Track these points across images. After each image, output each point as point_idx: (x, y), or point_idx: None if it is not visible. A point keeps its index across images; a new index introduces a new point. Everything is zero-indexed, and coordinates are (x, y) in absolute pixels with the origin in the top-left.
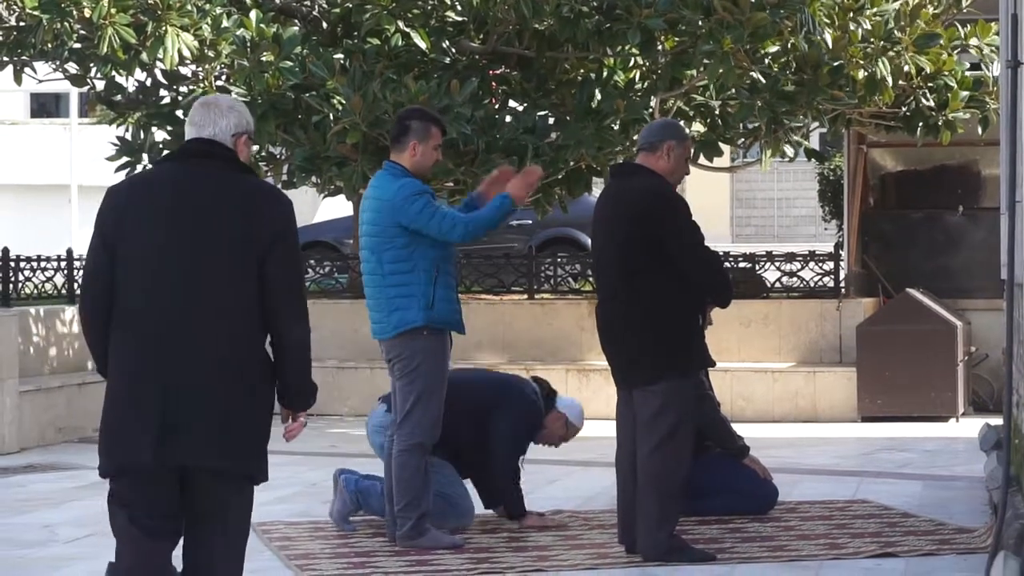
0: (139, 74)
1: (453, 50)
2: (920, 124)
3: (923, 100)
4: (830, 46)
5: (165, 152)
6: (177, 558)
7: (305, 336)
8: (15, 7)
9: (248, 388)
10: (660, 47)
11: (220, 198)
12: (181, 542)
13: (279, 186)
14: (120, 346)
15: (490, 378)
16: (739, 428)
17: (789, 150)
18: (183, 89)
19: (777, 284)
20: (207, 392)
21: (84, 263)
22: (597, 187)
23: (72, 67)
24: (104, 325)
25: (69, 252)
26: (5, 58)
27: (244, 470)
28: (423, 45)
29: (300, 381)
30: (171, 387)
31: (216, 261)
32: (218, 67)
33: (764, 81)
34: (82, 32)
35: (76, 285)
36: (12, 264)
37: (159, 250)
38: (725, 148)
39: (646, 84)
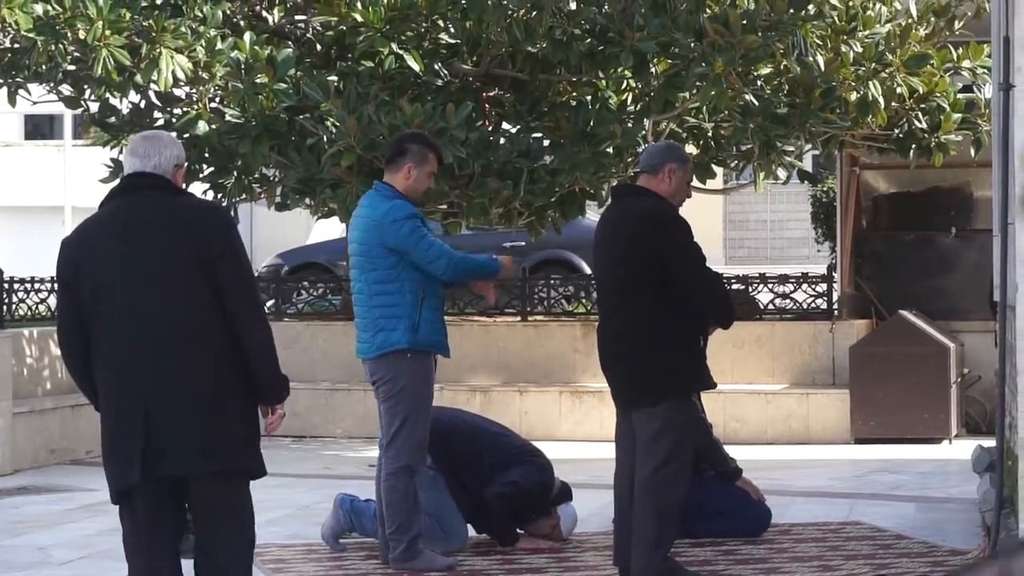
0: (133, 96)
1: (446, 72)
2: (913, 146)
3: (916, 122)
4: (822, 68)
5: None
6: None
7: (266, 336)
8: (9, 29)
9: (223, 395)
10: (653, 70)
11: (163, 224)
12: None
13: (272, 208)
14: (102, 383)
15: (524, 442)
16: (732, 450)
17: (782, 172)
18: (177, 111)
19: (770, 306)
20: (185, 410)
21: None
22: (591, 210)
23: (66, 89)
24: (83, 368)
25: None
26: None
27: (235, 467)
28: (416, 67)
29: (269, 379)
30: (151, 413)
31: (171, 284)
32: (212, 89)
33: (757, 103)
34: (76, 54)
35: None
36: (6, 285)
37: (116, 285)
38: (718, 170)
39: (639, 106)
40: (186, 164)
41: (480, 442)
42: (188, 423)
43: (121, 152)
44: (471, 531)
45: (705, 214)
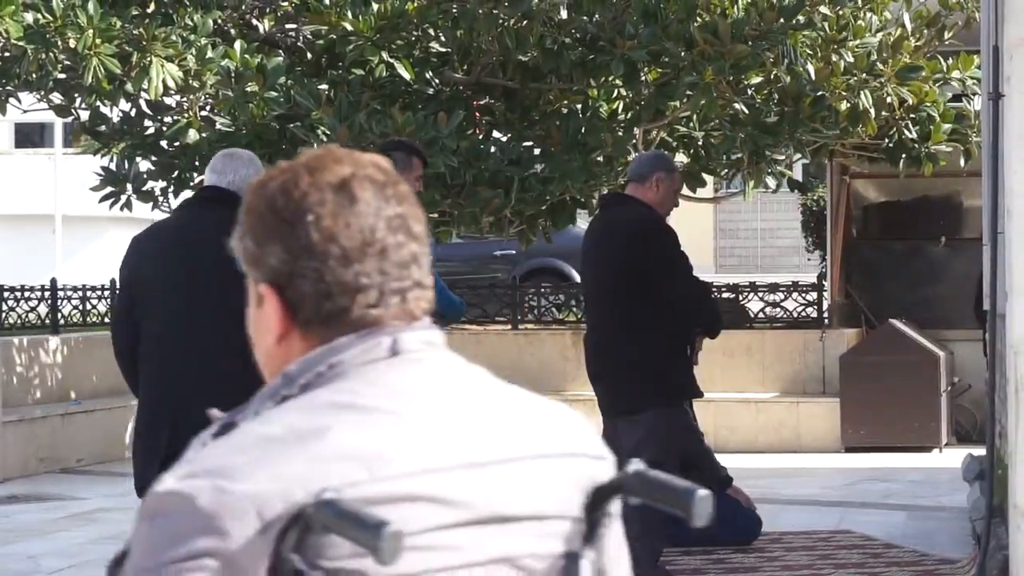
0: (124, 104)
1: (437, 81)
2: (903, 156)
3: (906, 132)
4: (813, 78)
5: (149, 182)
6: None
7: None
8: None
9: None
10: (643, 78)
11: (219, 238)
12: None
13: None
14: (142, 378)
15: None
16: (722, 458)
17: (772, 181)
18: (168, 119)
19: (760, 314)
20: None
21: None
22: (581, 218)
23: (57, 97)
24: (130, 361)
25: (53, 282)
26: None
27: None
28: (407, 76)
29: None
30: (178, 414)
31: (218, 297)
32: (203, 97)
33: (747, 112)
34: (67, 62)
35: (60, 315)
36: None
37: (167, 291)
38: (708, 179)
39: (630, 115)
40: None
41: None
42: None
43: (112, 160)
44: None
45: (695, 223)
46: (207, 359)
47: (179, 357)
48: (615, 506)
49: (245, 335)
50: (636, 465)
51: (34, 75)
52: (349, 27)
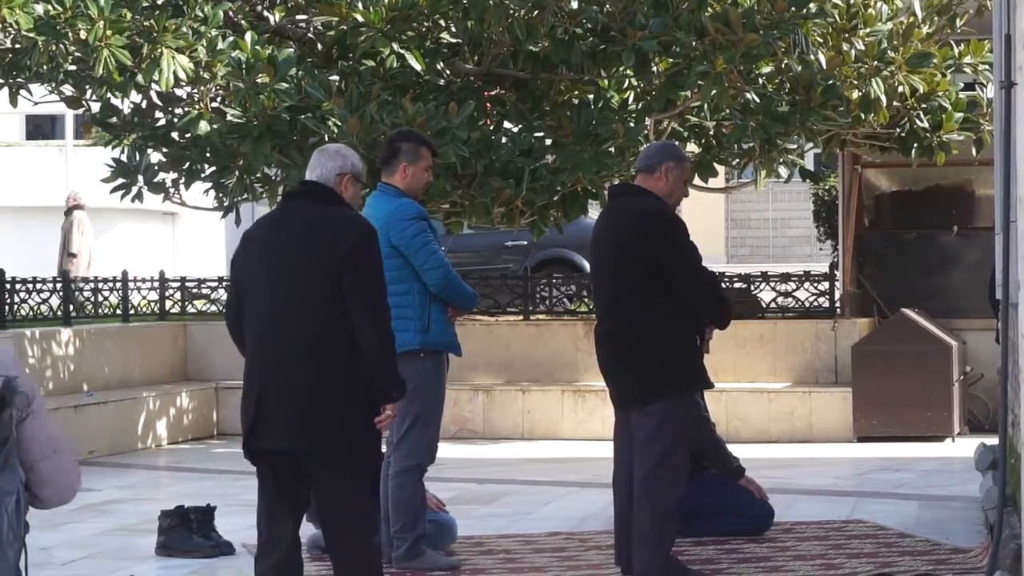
0: (134, 96)
1: (448, 72)
2: (915, 145)
3: (917, 121)
4: (824, 66)
5: (160, 173)
6: None
7: (379, 340)
8: (10, 29)
9: (330, 388)
10: (654, 68)
11: (309, 227)
12: None
13: (274, 207)
14: (247, 354)
15: None
16: (735, 449)
17: (783, 171)
18: (178, 111)
19: (772, 304)
20: (289, 390)
21: None
22: (593, 209)
23: (68, 89)
24: (242, 338)
25: (65, 274)
26: (0, 80)
27: (327, 452)
28: (418, 67)
29: (381, 379)
30: (263, 387)
31: (303, 283)
32: (213, 89)
33: (758, 102)
34: (78, 54)
35: (72, 307)
36: (7, 286)
37: (263, 277)
38: (720, 169)
39: (641, 105)
40: (349, 171)
41: None
42: (290, 407)
43: (123, 152)
44: (475, 530)
45: (707, 213)
46: (290, 337)
47: (267, 334)
48: None
49: (325, 316)
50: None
51: (45, 67)
52: (360, 18)
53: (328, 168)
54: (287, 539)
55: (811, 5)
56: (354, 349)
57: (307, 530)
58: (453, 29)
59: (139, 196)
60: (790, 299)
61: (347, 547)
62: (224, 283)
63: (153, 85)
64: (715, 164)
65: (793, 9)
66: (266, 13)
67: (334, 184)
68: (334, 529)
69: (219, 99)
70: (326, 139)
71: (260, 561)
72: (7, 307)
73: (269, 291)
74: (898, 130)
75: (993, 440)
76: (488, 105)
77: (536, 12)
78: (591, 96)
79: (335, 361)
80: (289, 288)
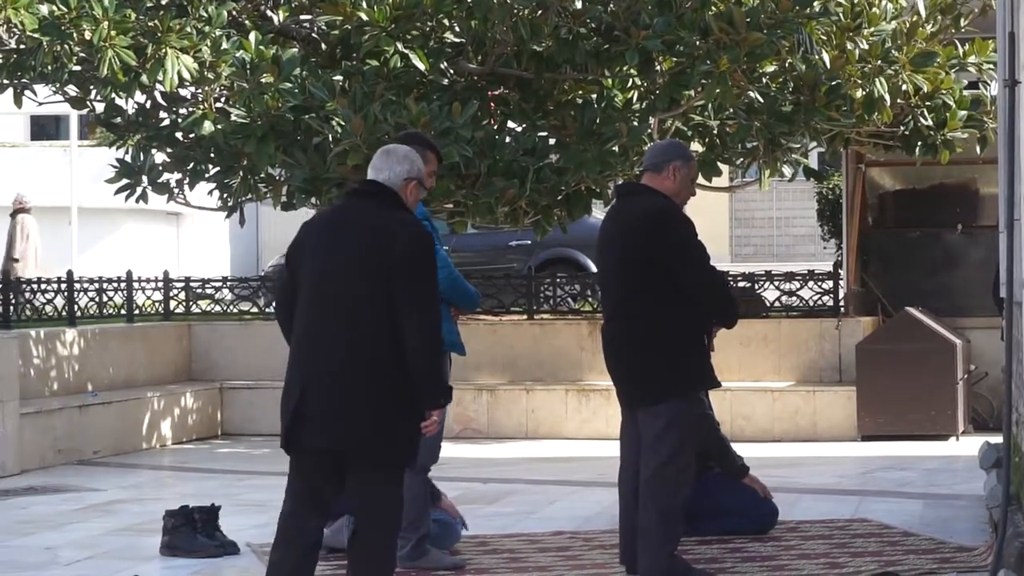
0: (139, 96)
1: (452, 71)
2: (919, 143)
3: (921, 119)
4: (828, 66)
5: (164, 174)
6: None
7: (428, 347)
8: (15, 30)
9: (374, 389)
10: (658, 68)
11: (364, 228)
12: None
13: (278, 207)
14: (291, 347)
15: None
16: (739, 447)
17: (787, 170)
18: (183, 111)
19: (776, 303)
20: (334, 389)
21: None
22: (597, 208)
23: (72, 89)
24: (290, 328)
25: (69, 274)
26: (5, 80)
27: (367, 452)
28: (422, 67)
29: (427, 383)
30: (306, 383)
31: (355, 282)
32: (218, 89)
33: (762, 101)
34: (82, 54)
35: (76, 307)
36: (12, 286)
37: (316, 272)
38: (724, 168)
39: (644, 104)
40: (416, 176)
41: None
42: (332, 405)
43: (127, 152)
44: (479, 529)
45: (711, 212)
46: (338, 336)
47: (314, 330)
48: None
49: (374, 318)
50: None
51: (49, 67)
52: (364, 17)
53: (396, 172)
54: (307, 540)
55: (815, 4)
56: (401, 351)
57: None
58: (457, 29)
59: (143, 196)
60: (794, 298)
61: (367, 545)
62: (228, 283)
63: (157, 85)
64: (719, 163)
65: (797, 8)
66: (270, 13)
67: (399, 188)
68: (363, 523)
69: (223, 99)
70: (330, 139)
71: (275, 552)
72: (12, 307)
73: (321, 287)
74: (902, 128)
75: (997, 438)
76: (492, 105)
77: (540, 12)
78: (595, 95)
79: (382, 363)
80: (341, 287)
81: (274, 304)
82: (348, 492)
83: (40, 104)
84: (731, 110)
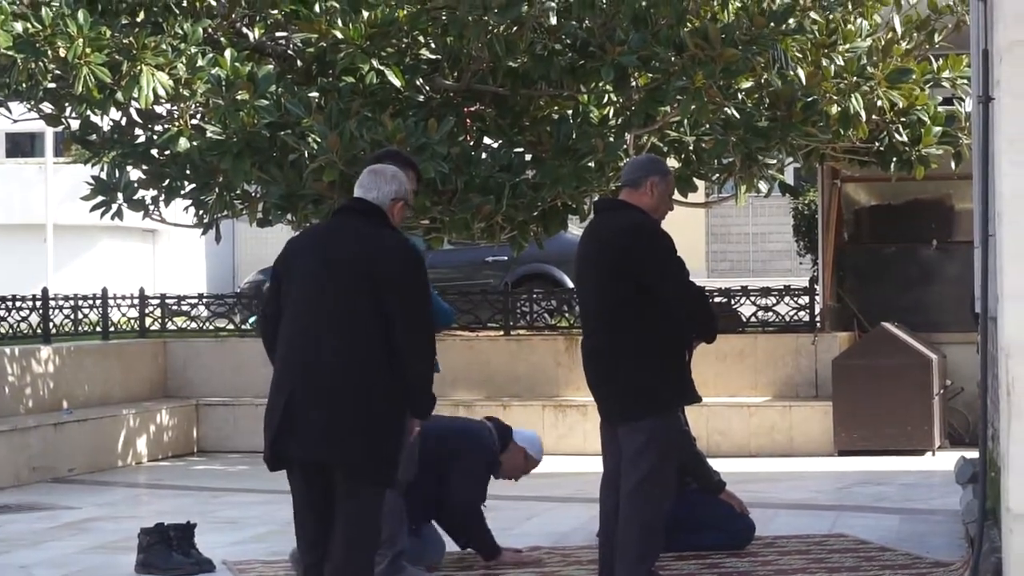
0: (114, 113)
1: (427, 88)
2: (894, 159)
3: (896, 135)
4: (803, 82)
5: (140, 191)
6: None
7: (423, 370)
8: None
9: (360, 401)
10: (634, 83)
11: (354, 247)
12: None
13: (254, 224)
14: (275, 364)
15: (448, 428)
16: (715, 463)
17: (763, 185)
18: (158, 128)
19: (753, 319)
20: (320, 402)
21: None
22: (573, 224)
23: (47, 107)
24: (273, 340)
25: (44, 291)
26: None
27: (353, 464)
28: (398, 83)
29: (418, 395)
30: (292, 395)
31: (343, 298)
32: (193, 106)
33: (738, 117)
34: (57, 72)
35: (52, 325)
36: None
37: (303, 287)
38: (700, 183)
39: (620, 120)
40: (403, 197)
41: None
42: (320, 418)
43: (102, 170)
44: (456, 546)
45: (687, 227)
46: (327, 345)
47: (300, 343)
48: None
49: (363, 328)
50: None
51: (24, 85)
52: (339, 35)
53: (384, 192)
54: (321, 546)
55: (790, 21)
56: (389, 366)
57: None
58: (432, 45)
59: (119, 214)
60: (770, 313)
61: (345, 563)
62: (203, 299)
63: (132, 102)
64: (695, 179)
65: (772, 25)
66: (245, 30)
67: (387, 208)
68: (339, 536)
69: (199, 116)
70: (306, 155)
71: (298, 566)
72: None
73: (308, 302)
74: (877, 144)
75: (973, 453)
76: (468, 121)
77: (515, 28)
78: (570, 111)
79: (370, 376)
80: (329, 301)
81: (258, 317)
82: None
83: (15, 121)
84: (707, 126)
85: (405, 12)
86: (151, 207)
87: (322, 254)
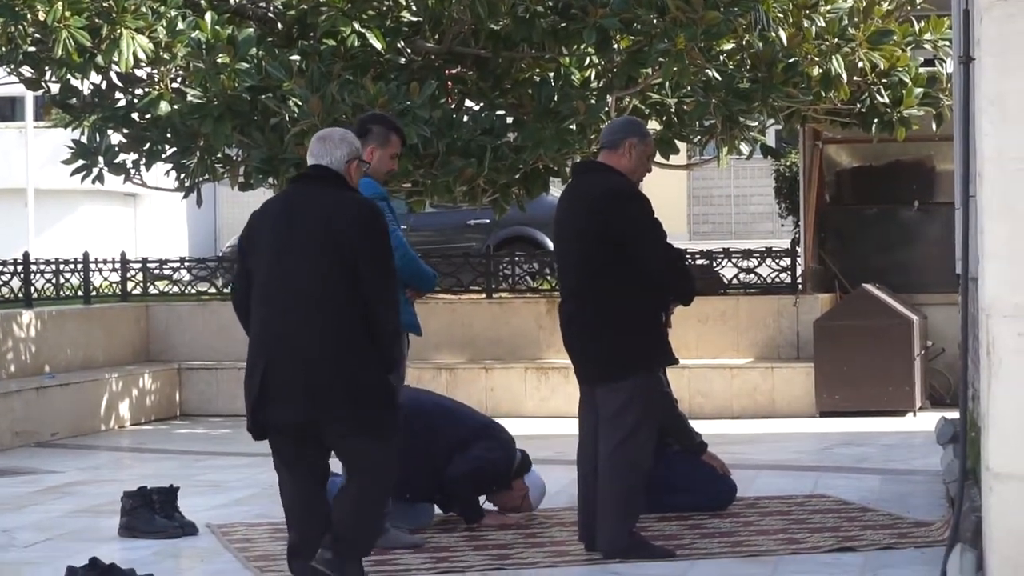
0: (94, 77)
1: (409, 51)
2: (875, 120)
3: (878, 96)
4: (785, 43)
5: (120, 155)
6: None
7: (394, 319)
8: None
9: (336, 356)
10: (615, 46)
11: (318, 210)
12: None
13: (235, 188)
14: (251, 330)
15: (497, 428)
16: (697, 424)
17: (745, 147)
18: (139, 91)
19: (734, 281)
20: (300, 363)
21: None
22: (555, 187)
23: (27, 70)
24: (245, 314)
25: (26, 256)
26: None
27: (337, 422)
28: (379, 46)
29: (385, 354)
30: (270, 361)
31: (312, 262)
32: (173, 69)
33: (719, 79)
34: (36, 35)
35: (33, 289)
36: None
37: (272, 255)
38: (681, 146)
39: (602, 83)
40: (356, 156)
41: (439, 420)
42: (298, 379)
43: (83, 133)
44: (437, 510)
45: (669, 190)
46: (296, 314)
47: (274, 311)
48: None
49: (334, 286)
50: None
51: (3, 48)
52: None
53: (337, 157)
54: (316, 508)
55: None
56: (361, 324)
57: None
58: (414, 8)
59: (100, 177)
60: (752, 275)
61: (356, 503)
62: (185, 263)
63: (113, 66)
64: (676, 141)
65: None
66: None
67: (343, 171)
68: (348, 487)
69: (179, 79)
70: (287, 119)
71: (292, 533)
72: None
73: (278, 269)
74: (859, 106)
75: (954, 414)
76: (449, 84)
77: None
78: (552, 74)
79: (344, 331)
80: (299, 264)
81: (234, 301)
82: (339, 457)
83: None
84: (688, 88)
85: None
86: (132, 171)
87: (285, 224)
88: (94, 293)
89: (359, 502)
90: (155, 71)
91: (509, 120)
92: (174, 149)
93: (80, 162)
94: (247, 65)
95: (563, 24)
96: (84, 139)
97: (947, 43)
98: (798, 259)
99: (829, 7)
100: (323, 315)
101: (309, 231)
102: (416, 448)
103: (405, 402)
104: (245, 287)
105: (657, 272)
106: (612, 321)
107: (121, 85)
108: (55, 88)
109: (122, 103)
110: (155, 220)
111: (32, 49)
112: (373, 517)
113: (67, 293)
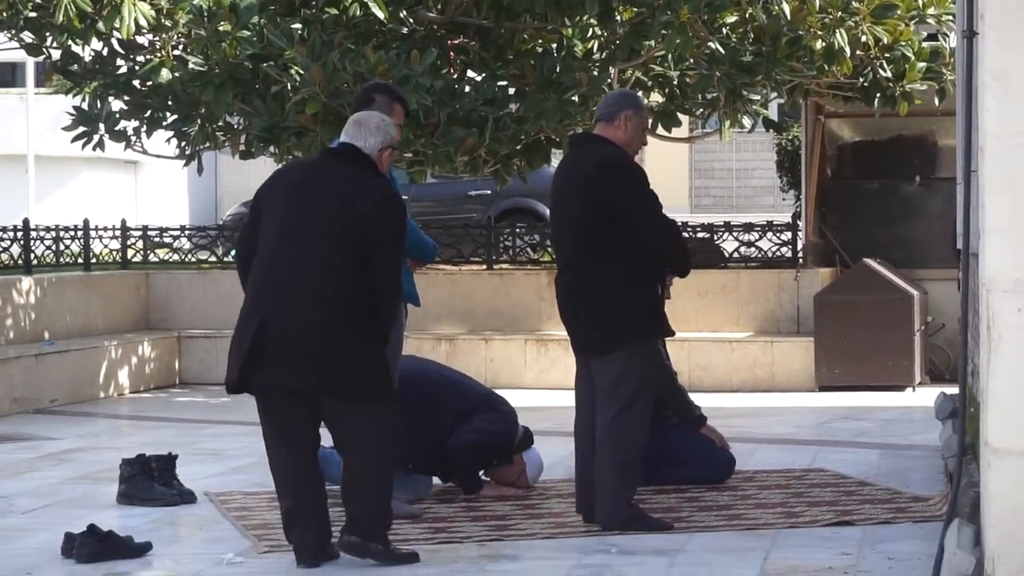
0: (96, 43)
1: (411, 20)
2: (878, 95)
3: (880, 71)
4: (788, 17)
5: (121, 122)
6: None
7: (395, 303)
8: None
9: (336, 323)
10: (618, 18)
11: (342, 191)
12: None
13: (236, 156)
14: (248, 289)
15: (486, 390)
16: (697, 398)
17: (747, 121)
18: (140, 58)
19: (735, 254)
20: (294, 325)
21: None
22: (556, 158)
23: (28, 36)
24: (245, 269)
25: (26, 222)
26: None
27: (335, 390)
28: (381, 15)
29: (386, 333)
30: (266, 320)
31: (322, 236)
32: (175, 36)
33: (722, 52)
34: (38, 1)
35: (33, 255)
36: None
37: (283, 219)
38: (684, 118)
39: (604, 54)
40: (390, 145)
41: (440, 391)
42: (296, 342)
43: (84, 100)
44: (436, 480)
45: (671, 162)
46: (298, 278)
47: (275, 272)
48: None
49: (340, 256)
50: None
51: (4, 14)
52: None
53: (371, 144)
54: (310, 474)
55: None
56: (359, 298)
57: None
58: None
59: (100, 144)
60: (753, 249)
61: (361, 479)
62: (186, 231)
63: (114, 32)
64: (679, 114)
65: None
66: None
67: (376, 158)
68: (348, 459)
69: (181, 47)
70: (288, 87)
71: (284, 501)
72: None
73: (284, 237)
74: (861, 80)
75: (953, 389)
76: (451, 54)
77: None
78: (555, 45)
79: (340, 306)
80: (305, 239)
81: (235, 243)
82: (332, 430)
83: None
84: (691, 60)
85: None
86: (133, 138)
87: (304, 188)
88: (94, 260)
89: (367, 478)
90: (156, 38)
91: (511, 91)
92: (175, 117)
93: (81, 129)
94: (249, 33)
95: None
96: (85, 106)
97: (950, 17)
98: (799, 233)
99: None
100: (328, 286)
101: (325, 205)
102: (418, 418)
103: (408, 370)
104: (252, 239)
105: (652, 244)
106: (608, 292)
107: (122, 52)
108: (56, 54)
109: (123, 70)
110: (156, 188)
111: (33, 15)
112: (385, 490)
113: (67, 260)
